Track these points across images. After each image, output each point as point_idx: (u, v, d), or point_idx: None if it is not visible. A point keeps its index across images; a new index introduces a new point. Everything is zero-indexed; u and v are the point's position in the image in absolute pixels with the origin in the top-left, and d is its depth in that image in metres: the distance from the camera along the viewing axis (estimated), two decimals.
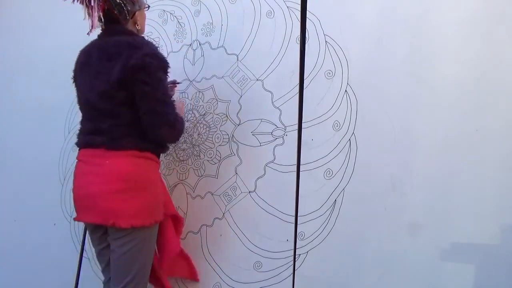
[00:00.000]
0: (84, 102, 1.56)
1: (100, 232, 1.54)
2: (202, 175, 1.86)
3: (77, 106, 2.16)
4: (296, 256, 1.62)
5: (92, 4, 1.47)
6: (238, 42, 1.89)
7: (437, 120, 1.53)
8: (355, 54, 1.68)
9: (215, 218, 1.79)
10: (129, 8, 1.53)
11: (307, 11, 1.80)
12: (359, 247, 1.55)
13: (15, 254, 2.14)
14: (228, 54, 1.90)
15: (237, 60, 1.87)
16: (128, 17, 1.55)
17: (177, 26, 2.07)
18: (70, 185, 2.07)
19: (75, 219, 1.57)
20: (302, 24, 1.80)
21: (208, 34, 1.97)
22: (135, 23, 1.59)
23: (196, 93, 1.94)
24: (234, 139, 1.82)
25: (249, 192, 1.75)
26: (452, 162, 1.48)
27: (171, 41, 2.07)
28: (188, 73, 1.99)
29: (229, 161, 1.81)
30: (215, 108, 1.88)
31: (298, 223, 1.64)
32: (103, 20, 1.51)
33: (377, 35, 1.67)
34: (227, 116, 1.85)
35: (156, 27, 2.12)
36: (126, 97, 1.46)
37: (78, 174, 1.55)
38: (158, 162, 1.61)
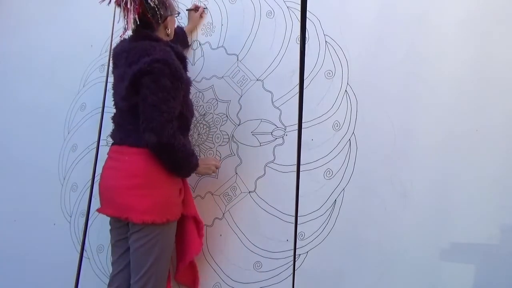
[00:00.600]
0: (114, 101, 1.64)
1: (119, 224, 1.59)
2: (202, 175, 1.86)
3: (76, 106, 2.20)
4: (296, 256, 1.62)
5: (129, 6, 1.50)
6: (238, 42, 1.89)
7: (437, 120, 1.53)
8: (355, 54, 1.69)
9: (215, 218, 1.79)
10: (162, 13, 1.57)
11: (307, 11, 1.80)
12: (359, 247, 1.55)
13: (15, 254, 2.14)
14: (228, 54, 1.90)
15: (237, 60, 1.87)
16: (160, 21, 1.58)
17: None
18: (70, 185, 2.11)
19: (97, 210, 1.63)
20: (302, 24, 1.80)
21: (208, 34, 1.97)
22: (165, 27, 1.61)
23: (196, 93, 1.94)
24: (234, 139, 1.82)
25: (249, 192, 1.75)
26: (452, 162, 1.49)
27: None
28: (188, 73, 1.99)
29: (229, 161, 1.81)
30: (215, 108, 1.88)
31: (298, 223, 1.64)
32: (136, 23, 1.54)
33: (377, 35, 1.67)
34: (227, 116, 1.85)
35: None
36: (138, 100, 1.51)
37: (104, 168, 1.63)
38: None
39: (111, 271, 1.64)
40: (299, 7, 1.82)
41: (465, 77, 1.52)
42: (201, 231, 1.72)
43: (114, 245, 1.63)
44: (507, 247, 1.38)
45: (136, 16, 1.52)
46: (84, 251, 1.99)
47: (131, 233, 1.53)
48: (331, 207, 1.61)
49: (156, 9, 1.54)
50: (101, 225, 1.98)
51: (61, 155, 2.17)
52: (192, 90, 1.95)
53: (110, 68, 2.08)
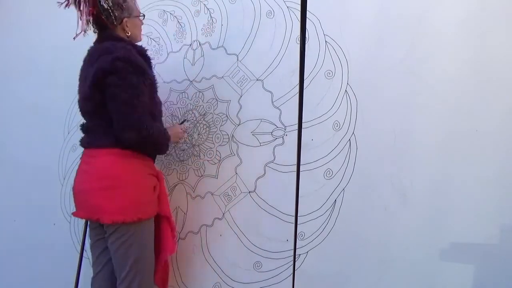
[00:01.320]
0: (79, 107, 1.65)
1: (94, 225, 1.64)
2: (202, 175, 1.86)
3: (76, 106, 2.19)
4: (296, 256, 1.62)
5: (81, 8, 1.53)
6: (238, 42, 1.89)
7: (437, 120, 1.53)
8: (355, 54, 1.68)
9: (215, 218, 1.79)
10: (116, 14, 1.58)
11: (307, 11, 1.80)
12: (359, 247, 1.55)
13: (15, 254, 2.14)
14: (228, 54, 1.90)
15: (237, 60, 1.87)
16: (115, 23, 1.59)
17: (177, 26, 2.07)
18: (70, 185, 2.10)
19: (72, 214, 1.64)
20: (302, 24, 1.80)
21: (208, 34, 1.97)
22: (123, 29, 1.62)
23: (196, 93, 1.94)
24: (234, 139, 1.82)
25: (249, 192, 1.75)
26: (452, 162, 1.49)
27: (171, 41, 2.07)
28: (188, 73, 1.99)
29: (229, 161, 1.81)
30: (215, 108, 1.88)
31: (298, 223, 1.64)
32: (93, 25, 1.59)
33: (377, 35, 1.67)
34: (227, 116, 1.85)
35: (156, 27, 2.12)
36: (101, 100, 1.51)
37: (76, 172, 1.64)
38: (147, 159, 1.62)
39: (93, 271, 1.66)
40: (299, 7, 1.81)
41: (465, 77, 1.52)
42: (174, 232, 1.71)
43: (92, 247, 1.66)
44: (507, 247, 1.38)
45: (91, 18, 1.55)
46: (84, 251, 2.00)
47: (108, 235, 1.54)
48: (331, 207, 1.61)
49: (110, 10, 1.56)
50: None
51: (61, 155, 2.18)
52: (192, 90, 1.96)
53: None
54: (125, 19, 1.60)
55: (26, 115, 2.34)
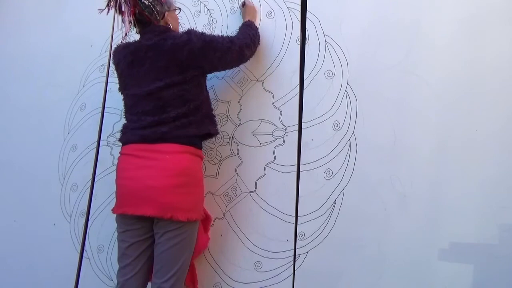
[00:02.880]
0: (144, 95, 1.56)
1: (141, 225, 1.55)
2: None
3: (76, 106, 2.20)
4: (296, 256, 1.62)
5: (123, 9, 1.54)
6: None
7: (437, 120, 1.53)
8: (355, 54, 1.69)
9: (215, 218, 1.79)
10: (158, 9, 1.60)
11: (307, 12, 1.80)
12: (359, 247, 1.55)
13: (15, 254, 2.13)
14: None
15: None
16: (158, 18, 1.60)
17: None
18: (70, 185, 2.10)
19: (118, 212, 1.56)
20: (302, 24, 1.80)
21: None
22: (166, 23, 1.63)
23: None
24: (234, 139, 1.82)
25: (249, 192, 1.75)
26: (452, 162, 1.49)
27: None
28: None
29: (229, 162, 1.81)
30: (215, 108, 1.88)
31: (298, 223, 1.64)
32: (135, 24, 1.58)
33: (377, 35, 1.68)
34: (227, 117, 1.85)
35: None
36: (193, 78, 1.55)
37: (131, 168, 1.55)
38: (203, 159, 1.68)
39: (119, 275, 1.56)
40: (299, 8, 1.82)
41: (465, 77, 1.52)
42: (208, 226, 1.74)
43: (129, 247, 1.56)
44: (507, 247, 1.38)
45: (132, 18, 1.55)
46: (84, 251, 1.99)
47: (165, 231, 1.50)
48: (331, 207, 1.61)
49: (152, 6, 1.58)
50: (101, 225, 1.98)
51: (61, 155, 2.17)
52: None
53: (111, 68, 2.09)
54: (166, 13, 1.63)
55: (26, 115, 2.33)
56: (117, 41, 2.17)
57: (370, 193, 1.57)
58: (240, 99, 1.84)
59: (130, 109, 1.63)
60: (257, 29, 1.80)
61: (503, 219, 1.40)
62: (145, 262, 1.57)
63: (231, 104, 1.85)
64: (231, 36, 1.66)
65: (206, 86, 1.67)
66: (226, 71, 1.82)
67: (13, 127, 2.37)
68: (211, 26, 1.97)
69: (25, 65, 2.43)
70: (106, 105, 2.12)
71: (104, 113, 2.12)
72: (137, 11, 1.56)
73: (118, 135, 2.04)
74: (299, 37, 1.79)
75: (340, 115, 1.66)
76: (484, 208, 1.42)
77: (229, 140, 1.82)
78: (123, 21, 1.56)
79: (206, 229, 1.74)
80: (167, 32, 1.59)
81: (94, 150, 2.08)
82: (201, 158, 1.63)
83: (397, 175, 1.54)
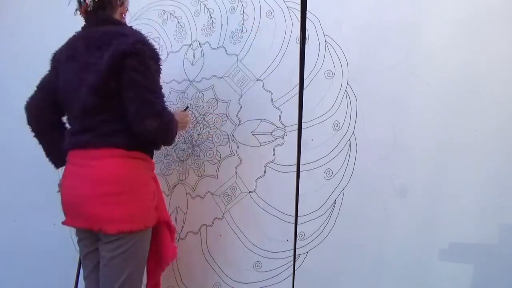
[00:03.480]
0: (72, 99, 1.45)
1: (86, 235, 1.49)
2: (202, 175, 1.86)
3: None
4: (296, 256, 1.62)
5: None
6: (238, 42, 1.89)
7: (437, 120, 1.53)
8: (355, 54, 1.68)
9: (215, 218, 1.79)
10: None
11: (307, 11, 1.80)
12: (359, 247, 1.55)
13: (15, 254, 2.14)
14: (228, 54, 1.90)
15: (237, 60, 1.87)
16: (118, 3, 1.50)
17: (177, 26, 2.07)
18: None
19: (63, 223, 1.52)
20: (302, 24, 1.80)
21: (208, 34, 1.97)
22: (122, 13, 1.53)
23: (196, 93, 1.94)
24: (234, 139, 1.82)
25: (249, 192, 1.75)
26: (452, 162, 1.49)
27: (171, 41, 2.07)
28: (188, 73, 1.99)
29: (229, 161, 1.81)
30: (215, 108, 1.88)
31: (298, 223, 1.64)
32: (91, 3, 1.45)
33: (377, 35, 1.67)
34: (227, 116, 1.85)
35: (156, 27, 2.12)
36: (115, 88, 1.37)
37: (66, 176, 1.48)
38: (151, 163, 1.54)
39: (84, 287, 1.53)
40: (299, 7, 1.81)
41: (465, 77, 1.52)
42: (173, 235, 1.61)
43: (85, 258, 1.51)
44: (507, 247, 1.38)
45: None
46: None
47: (104, 243, 1.40)
48: (331, 207, 1.61)
49: None
50: None
51: None
52: (192, 90, 1.96)
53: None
54: (126, 2, 1.53)
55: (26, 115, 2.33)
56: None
57: (370, 193, 1.57)
58: (239, 98, 1.84)
59: (67, 113, 1.54)
60: (176, 130, 1.53)
61: (503, 219, 1.39)
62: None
63: (231, 104, 1.85)
64: (167, 110, 1.45)
65: None
66: (226, 71, 1.81)
67: (13, 127, 2.36)
68: (211, 26, 1.97)
69: (25, 65, 2.43)
70: None
71: None
72: None
73: None
74: (299, 37, 1.79)
75: (340, 115, 1.66)
76: (484, 208, 1.42)
77: (229, 140, 1.82)
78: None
79: (172, 239, 1.60)
80: (119, 26, 1.47)
81: None
82: (143, 160, 1.47)
83: (397, 175, 1.54)
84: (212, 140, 1.84)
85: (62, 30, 2.35)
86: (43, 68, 2.36)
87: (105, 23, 1.46)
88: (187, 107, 1.88)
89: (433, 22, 1.60)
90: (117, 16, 1.52)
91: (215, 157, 1.84)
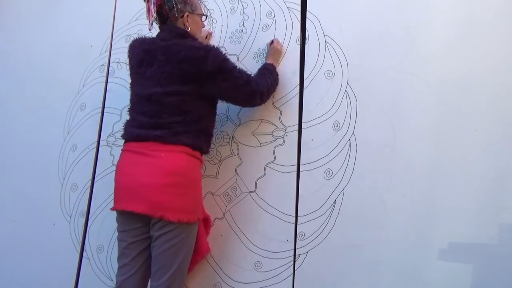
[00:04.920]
0: (145, 97, 1.55)
1: (140, 224, 1.53)
2: (202, 175, 1.86)
3: (76, 106, 2.20)
4: (296, 256, 1.62)
5: None
6: (238, 43, 1.89)
7: (437, 120, 1.53)
8: (355, 54, 1.69)
9: (215, 218, 1.79)
10: (179, 7, 1.58)
11: (307, 12, 1.80)
12: (359, 247, 1.55)
13: (15, 254, 2.13)
14: (228, 54, 1.89)
15: (237, 60, 1.88)
16: (177, 15, 1.58)
17: None
18: (70, 185, 2.10)
19: (113, 208, 1.56)
20: (302, 24, 1.80)
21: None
22: (183, 24, 1.60)
23: None
24: (234, 139, 1.82)
25: (249, 192, 1.75)
26: (452, 162, 1.49)
27: None
28: None
29: (229, 162, 1.81)
30: None
31: (298, 223, 1.64)
32: (156, 17, 1.58)
33: (377, 35, 1.68)
34: (227, 117, 1.85)
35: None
36: (197, 90, 1.52)
37: (126, 164, 1.55)
38: (202, 162, 1.65)
39: (118, 274, 1.56)
40: (299, 8, 1.82)
41: (465, 77, 1.52)
42: (208, 229, 1.73)
43: (128, 247, 1.55)
44: (506, 247, 1.38)
45: (155, 9, 1.55)
46: (84, 251, 1.99)
47: (161, 233, 1.47)
48: (331, 207, 1.61)
49: (174, 2, 1.56)
50: (100, 225, 1.98)
51: (61, 155, 2.17)
52: None
53: (111, 68, 2.09)
54: (186, 13, 1.59)
55: (26, 115, 2.33)
56: (117, 41, 2.18)
57: (370, 193, 1.57)
58: None
59: (131, 107, 1.63)
60: (278, 75, 1.75)
61: (503, 219, 1.40)
62: (143, 262, 1.54)
63: (231, 104, 1.85)
64: (251, 76, 1.63)
65: (214, 104, 1.65)
66: None
67: (14, 127, 2.37)
68: (211, 26, 1.97)
69: (25, 65, 2.43)
70: (106, 105, 2.13)
71: (104, 113, 2.12)
72: (159, 3, 1.55)
73: (118, 135, 2.06)
74: (299, 37, 1.79)
75: (340, 115, 1.66)
76: (484, 208, 1.42)
77: (229, 140, 1.82)
78: (148, 11, 1.56)
79: (207, 233, 1.72)
80: (184, 36, 1.57)
81: (94, 150, 2.08)
82: (200, 160, 1.60)
83: (397, 175, 1.54)
84: (212, 140, 1.83)
85: (63, 30, 2.37)
86: (43, 68, 2.37)
87: (169, 32, 1.58)
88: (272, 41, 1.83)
89: (433, 23, 1.60)
90: (179, 25, 1.60)
91: (215, 157, 1.84)
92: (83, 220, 2.02)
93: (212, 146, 1.84)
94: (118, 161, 1.60)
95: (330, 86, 1.70)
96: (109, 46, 2.19)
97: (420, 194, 1.51)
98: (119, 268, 1.57)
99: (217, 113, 1.70)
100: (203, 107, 1.57)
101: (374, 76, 1.64)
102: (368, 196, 1.57)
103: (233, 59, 1.87)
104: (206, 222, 1.72)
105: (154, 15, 1.56)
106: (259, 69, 1.72)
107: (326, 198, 1.62)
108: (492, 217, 1.41)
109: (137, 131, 1.55)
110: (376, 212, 1.55)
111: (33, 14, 2.50)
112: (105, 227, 1.96)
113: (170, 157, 1.49)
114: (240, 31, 1.91)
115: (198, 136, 1.55)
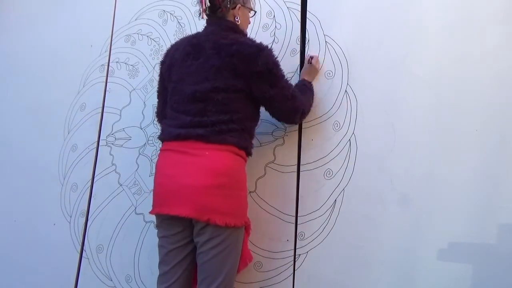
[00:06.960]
0: (189, 95, 1.46)
1: (180, 228, 1.44)
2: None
3: (76, 106, 2.20)
4: (296, 256, 1.62)
5: None
6: None
7: (437, 120, 1.53)
8: (355, 54, 1.69)
9: None
10: None
11: (307, 12, 1.80)
12: (359, 247, 1.55)
13: (15, 254, 2.13)
14: None
15: None
16: (229, 6, 1.52)
17: (177, 26, 2.07)
18: (70, 185, 2.10)
19: (153, 212, 1.47)
20: (302, 24, 1.80)
21: None
22: (234, 16, 1.54)
23: None
24: None
25: (250, 192, 1.75)
26: (452, 162, 1.49)
27: (171, 41, 2.06)
28: None
29: None
30: None
31: (298, 223, 1.64)
32: (207, 6, 1.51)
33: (377, 35, 1.68)
34: None
35: (156, 27, 2.12)
36: (242, 90, 1.44)
37: (167, 165, 1.45)
38: (246, 163, 1.55)
39: (158, 282, 1.47)
40: (299, 8, 1.82)
41: (465, 77, 1.52)
42: (248, 231, 1.58)
43: (168, 254, 1.45)
44: (507, 247, 1.38)
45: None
46: (84, 251, 1.99)
47: (208, 239, 1.38)
48: (331, 207, 1.61)
49: None
50: (100, 226, 1.98)
51: (61, 155, 2.17)
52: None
53: (111, 68, 2.08)
54: (238, 5, 1.53)
55: (26, 115, 2.33)
56: (117, 40, 2.18)
57: (370, 193, 1.57)
58: None
59: (172, 105, 1.52)
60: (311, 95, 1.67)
61: (503, 219, 1.40)
62: (185, 269, 1.46)
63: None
64: (296, 91, 1.54)
65: (257, 107, 1.55)
66: None
67: (14, 127, 2.36)
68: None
69: (25, 65, 2.43)
70: (105, 105, 2.13)
71: (104, 113, 2.12)
72: None
73: (117, 135, 2.06)
74: (299, 37, 1.79)
75: (340, 115, 1.66)
76: (484, 208, 1.42)
77: None
78: (199, 1, 1.52)
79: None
80: (234, 30, 1.51)
81: (94, 150, 2.08)
82: (245, 160, 1.51)
83: (397, 175, 1.54)
84: None
85: (62, 30, 2.37)
86: (43, 68, 2.37)
87: (218, 24, 1.51)
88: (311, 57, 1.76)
89: (433, 23, 1.60)
90: (230, 17, 1.54)
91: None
92: (83, 220, 2.02)
93: None
94: (157, 161, 1.51)
95: (330, 86, 1.70)
96: (109, 46, 2.19)
97: (420, 194, 1.51)
98: (159, 276, 1.48)
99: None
100: (249, 107, 1.49)
101: (374, 76, 1.64)
102: (368, 196, 1.57)
103: None
104: (246, 227, 1.55)
105: (208, 3, 1.49)
106: (297, 85, 1.64)
107: (326, 198, 1.62)
108: (492, 217, 1.41)
109: (177, 130, 1.45)
110: (376, 212, 1.55)
111: (33, 14, 2.50)
112: (105, 227, 1.96)
113: (216, 156, 1.39)
114: None
115: (243, 135, 1.47)
